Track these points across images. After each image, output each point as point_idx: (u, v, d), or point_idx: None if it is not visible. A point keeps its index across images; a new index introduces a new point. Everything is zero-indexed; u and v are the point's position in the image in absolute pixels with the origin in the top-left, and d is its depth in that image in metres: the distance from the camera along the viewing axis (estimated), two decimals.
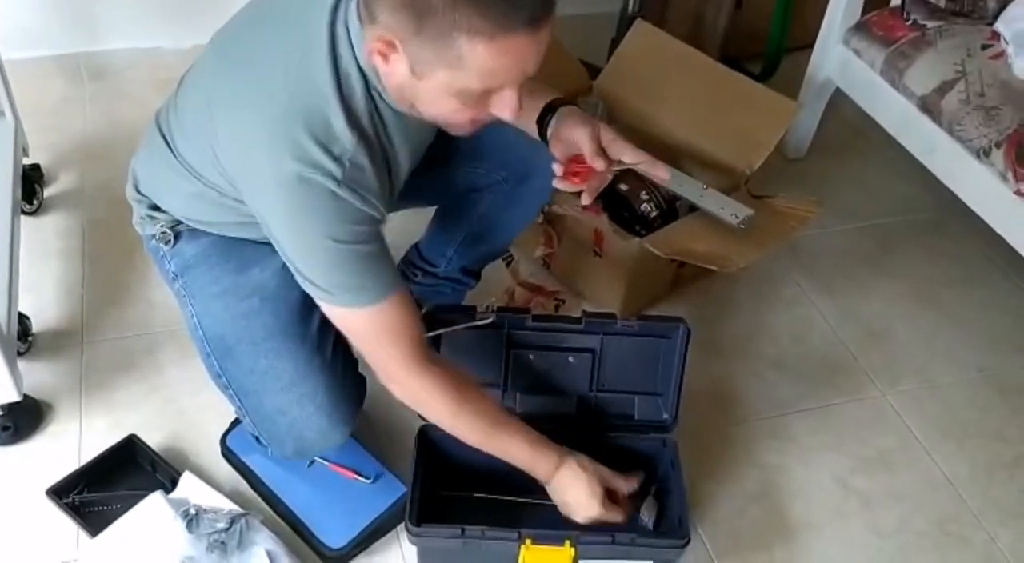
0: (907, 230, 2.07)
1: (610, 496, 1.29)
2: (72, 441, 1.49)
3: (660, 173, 1.25)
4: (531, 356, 1.42)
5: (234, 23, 1.17)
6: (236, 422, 1.47)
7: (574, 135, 1.20)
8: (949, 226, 2.06)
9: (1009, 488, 1.58)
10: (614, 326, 1.41)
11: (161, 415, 1.54)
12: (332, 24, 1.05)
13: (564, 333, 1.41)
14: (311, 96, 1.04)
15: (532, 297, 1.79)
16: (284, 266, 1.18)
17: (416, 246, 1.61)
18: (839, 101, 2.10)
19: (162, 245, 1.31)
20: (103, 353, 1.63)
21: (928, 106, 1.77)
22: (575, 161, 1.21)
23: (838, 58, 2.02)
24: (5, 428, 1.46)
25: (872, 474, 1.58)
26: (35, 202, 1.86)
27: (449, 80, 0.98)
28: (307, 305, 1.23)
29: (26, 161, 1.85)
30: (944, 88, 1.75)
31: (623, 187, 1.75)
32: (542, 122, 1.25)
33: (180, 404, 1.56)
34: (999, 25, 1.81)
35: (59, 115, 2.10)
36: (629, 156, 1.21)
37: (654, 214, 1.74)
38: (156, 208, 1.31)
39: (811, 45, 2.10)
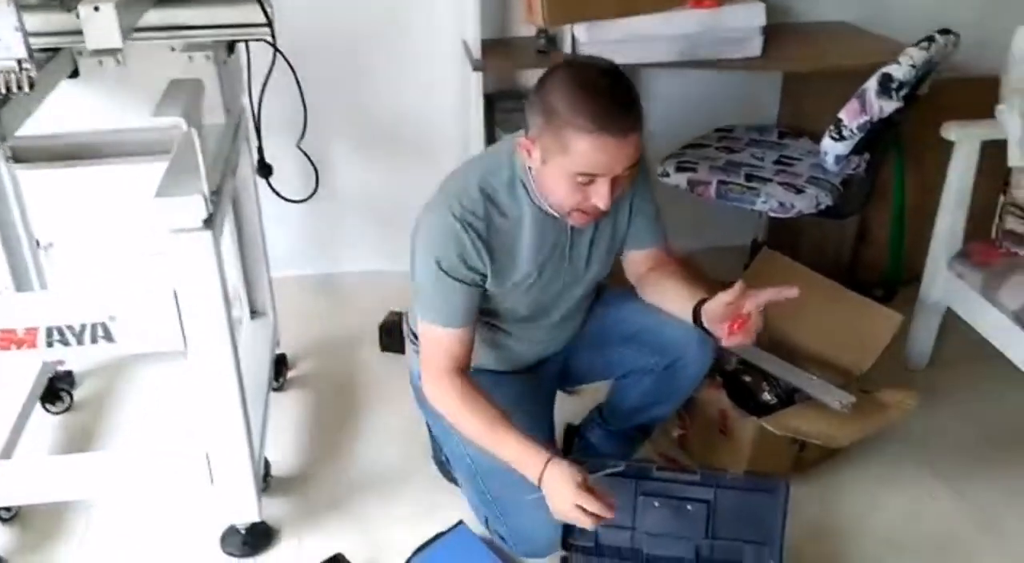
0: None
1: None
2: (292, 557, 1.88)
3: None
4: (656, 503, 1.72)
5: None
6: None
7: (718, 304, 1.54)
8: None
9: None
10: (724, 479, 1.70)
11: (360, 540, 1.92)
12: (511, 147, 1.60)
13: (683, 484, 1.71)
14: (470, 184, 1.57)
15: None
16: (516, 399, 1.68)
17: (599, 408, 2.00)
18: (956, 318, 2.34)
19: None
20: (324, 492, 2.06)
21: (1021, 319, 2.03)
22: (731, 324, 1.55)
23: (945, 282, 2.32)
24: (244, 543, 1.88)
25: None
26: (280, 381, 2.41)
27: (561, 163, 1.43)
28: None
29: (277, 351, 2.42)
30: None
31: (747, 379, 2.09)
32: (696, 320, 1.62)
33: (375, 536, 1.94)
34: None
35: (302, 319, 2.68)
36: (765, 293, 1.51)
37: (774, 402, 2.05)
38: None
39: None
